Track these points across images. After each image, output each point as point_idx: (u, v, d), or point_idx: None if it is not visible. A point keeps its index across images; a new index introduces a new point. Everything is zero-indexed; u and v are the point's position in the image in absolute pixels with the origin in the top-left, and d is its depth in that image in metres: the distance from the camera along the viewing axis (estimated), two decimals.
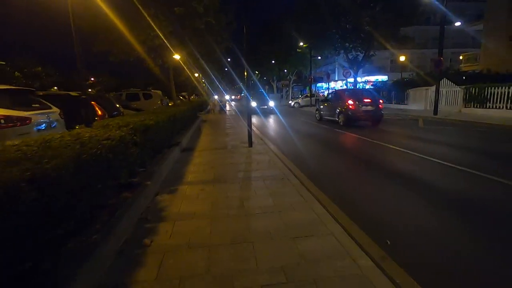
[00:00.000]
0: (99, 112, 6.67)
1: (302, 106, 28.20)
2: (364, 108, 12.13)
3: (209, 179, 4.86)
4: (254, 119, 13.93)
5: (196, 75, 32.97)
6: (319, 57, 29.11)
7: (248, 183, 4.57)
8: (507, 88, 12.94)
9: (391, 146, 7.60)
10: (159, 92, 14.92)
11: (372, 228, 3.08)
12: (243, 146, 7.69)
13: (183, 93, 34.27)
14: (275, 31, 36.07)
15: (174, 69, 16.50)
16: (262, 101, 21.45)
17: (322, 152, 7.53)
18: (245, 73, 8.00)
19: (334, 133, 10.62)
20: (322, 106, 14.56)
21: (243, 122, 13.65)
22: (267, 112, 20.52)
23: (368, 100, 12.29)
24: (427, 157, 6.30)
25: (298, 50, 28.40)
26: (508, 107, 12.89)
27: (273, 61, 39.54)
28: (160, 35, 9.78)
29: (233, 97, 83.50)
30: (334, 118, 13.04)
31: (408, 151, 6.91)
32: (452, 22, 38.44)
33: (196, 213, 3.45)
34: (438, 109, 14.70)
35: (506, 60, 20.62)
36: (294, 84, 49.25)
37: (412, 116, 15.22)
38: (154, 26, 9.21)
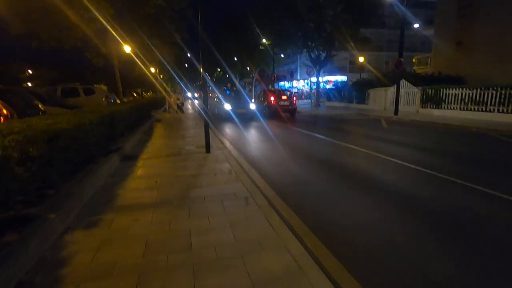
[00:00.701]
0: (4, 111, 5.04)
1: None
2: (282, 103, 15.87)
3: (150, 201, 3.69)
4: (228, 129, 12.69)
5: (153, 70, 30.67)
6: (282, 55, 28.68)
7: (201, 207, 3.50)
8: (460, 89, 13.44)
9: (365, 151, 7.03)
10: (104, 87, 13.05)
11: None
12: (199, 151, 6.56)
13: (138, 90, 31.66)
14: (238, 27, 34.98)
15: (124, 62, 14.67)
16: (239, 103, 15.21)
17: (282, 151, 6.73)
18: (201, 66, 6.87)
19: (301, 135, 9.95)
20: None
21: (202, 122, 12.44)
22: (247, 119, 14.41)
23: (285, 97, 16.11)
24: (400, 162, 5.78)
25: (261, 47, 27.67)
26: (462, 108, 13.40)
27: (235, 58, 38.38)
28: (99, 17, 8.14)
29: (196, 95, 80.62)
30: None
31: (386, 156, 6.37)
32: (407, 26, 40.81)
33: (117, 265, 2.30)
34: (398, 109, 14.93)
35: (455, 63, 22.00)
36: (256, 82, 48.68)
37: (374, 116, 15.27)
38: (89, 6, 7.57)
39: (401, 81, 16.34)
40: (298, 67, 43.74)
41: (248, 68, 40.14)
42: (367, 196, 4.09)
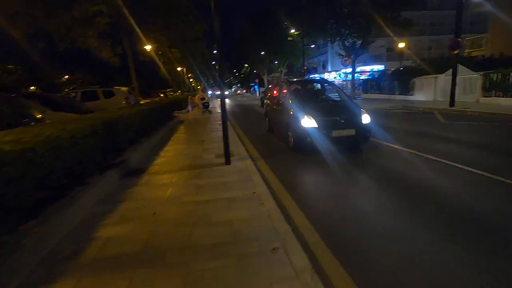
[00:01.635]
0: None
1: None
2: None
3: (134, 251, 2.54)
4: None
5: (179, 69, 30.36)
6: (312, 45, 26.68)
7: (208, 266, 2.27)
8: None
9: (432, 157, 5.37)
10: (124, 88, 12.38)
11: None
12: (217, 162, 5.37)
13: (167, 90, 31.60)
14: (265, 21, 33.52)
15: (147, 62, 14.12)
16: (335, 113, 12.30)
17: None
18: (218, 60, 5.65)
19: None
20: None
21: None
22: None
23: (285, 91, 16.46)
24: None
25: (289, 38, 25.90)
26: None
27: (262, 53, 36.99)
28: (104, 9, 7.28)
29: (226, 92, 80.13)
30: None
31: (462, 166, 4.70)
32: (444, 8, 36.47)
33: None
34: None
35: None
36: (285, 76, 46.89)
37: (424, 109, 13.08)
38: None
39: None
40: (329, 58, 41.12)
41: (276, 62, 38.45)
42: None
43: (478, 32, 27.27)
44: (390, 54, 37.62)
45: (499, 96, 12.42)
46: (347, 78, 23.33)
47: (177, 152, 6.68)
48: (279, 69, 41.72)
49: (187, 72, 38.43)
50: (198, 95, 15.96)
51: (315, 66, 37.21)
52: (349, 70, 23.36)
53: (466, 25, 36.06)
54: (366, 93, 23.60)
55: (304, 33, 23.17)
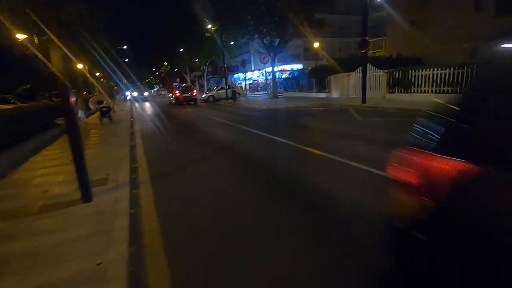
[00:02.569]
0: None
1: (217, 100, 24.49)
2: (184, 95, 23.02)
3: None
4: None
5: (81, 66, 25.74)
6: (232, 42, 25.73)
7: None
8: (431, 70, 11.96)
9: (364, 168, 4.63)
10: None
11: None
12: (72, 199, 3.57)
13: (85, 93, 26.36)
14: (183, 17, 31.09)
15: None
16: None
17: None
18: None
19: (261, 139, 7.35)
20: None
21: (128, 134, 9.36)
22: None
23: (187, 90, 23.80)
24: None
25: (206, 34, 24.38)
26: (434, 91, 11.96)
27: (181, 50, 34.46)
28: None
29: (146, 93, 73.04)
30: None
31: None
32: (357, 11, 40.11)
33: None
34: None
35: (410, 44, 21.16)
36: (210, 76, 45.11)
37: (340, 106, 13.29)
38: None
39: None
40: (252, 57, 41.11)
41: (196, 60, 36.38)
42: None
43: (379, 35, 30.51)
44: (307, 54, 39.61)
45: (401, 92, 13.42)
46: (270, 77, 23.10)
47: (24, 181, 4.54)
48: (201, 67, 39.78)
49: (93, 71, 33.17)
50: (94, 97, 13.09)
51: (237, 64, 36.51)
52: (271, 69, 23.22)
53: (368, 29, 40.52)
54: (288, 92, 23.81)
55: (222, 29, 21.98)
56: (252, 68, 42.99)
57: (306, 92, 20.99)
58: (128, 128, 10.11)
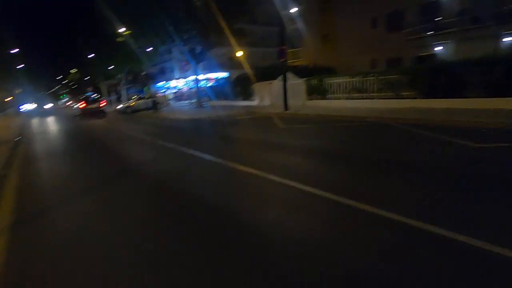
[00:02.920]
0: None
1: (136, 111, 22.23)
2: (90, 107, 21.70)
3: None
4: None
5: None
6: (149, 49, 23.84)
7: None
8: (342, 78, 12.98)
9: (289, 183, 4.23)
10: None
11: None
12: None
13: None
14: (93, 19, 27.51)
15: None
16: None
17: None
18: None
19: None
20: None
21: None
22: None
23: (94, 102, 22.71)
24: None
25: (118, 39, 22.02)
26: (346, 97, 12.96)
27: (91, 55, 30.58)
28: None
29: (50, 105, 62.35)
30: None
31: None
32: (272, 24, 42.22)
33: None
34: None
35: (323, 55, 23.10)
36: (131, 85, 41.27)
37: (265, 114, 13.30)
38: None
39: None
40: (176, 64, 39.24)
41: (110, 68, 32.79)
42: None
43: (298, 46, 32.45)
44: (232, 63, 39.92)
45: (319, 99, 14.23)
46: (196, 85, 22.11)
47: None
48: (118, 75, 36.10)
49: None
50: None
51: (155, 72, 34.20)
52: (198, 76, 22.26)
53: (287, 40, 43.05)
54: (213, 100, 23.20)
55: (138, 33, 20.12)
56: (177, 76, 41.10)
57: (232, 100, 20.76)
58: (7, 151, 7.95)
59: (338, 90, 13.24)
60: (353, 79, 12.48)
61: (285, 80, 13.03)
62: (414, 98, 10.59)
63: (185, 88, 39.98)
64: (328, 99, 13.77)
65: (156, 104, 19.94)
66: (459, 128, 6.89)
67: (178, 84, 42.28)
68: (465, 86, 9.35)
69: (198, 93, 21.51)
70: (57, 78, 58.42)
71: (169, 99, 39.46)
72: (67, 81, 59.29)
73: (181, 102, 35.75)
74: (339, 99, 13.23)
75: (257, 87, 18.16)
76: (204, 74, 39.29)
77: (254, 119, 12.06)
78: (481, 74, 8.98)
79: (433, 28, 17.54)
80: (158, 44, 22.51)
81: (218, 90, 22.57)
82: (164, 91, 42.04)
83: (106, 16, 22.01)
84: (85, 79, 42.41)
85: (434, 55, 17.71)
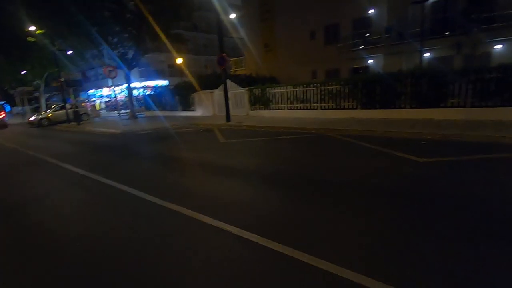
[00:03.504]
0: None
1: (54, 123, 18.98)
2: None
3: None
4: None
5: None
6: (70, 52, 20.70)
7: None
8: (285, 88, 12.63)
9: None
10: None
11: None
12: None
13: None
14: None
15: None
16: None
17: None
18: None
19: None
20: None
21: None
22: None
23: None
24: None
25: (29, 39, 18.58)
26: (290, 108, 12.63)
27: None
28: None
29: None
30: None
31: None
32: (214, 32, 41.66)
33: None
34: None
35: (266, 65, 23.02)
36: (55, 92, 35.86)
37: (206, 126, 12.19)
38: None
39: (227, 81, 14.30)
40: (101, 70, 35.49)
41: (24, 73, 27.92)
42: None
43: (239, 55, 32.20)
44: (172, 70, 37.87)
45: (262, 109, 13.68)
46: (129, 94, 19.78)
47: None
48: (35, 82, 31.03)
49: None
50: None
51: (79, 78, 30.26)
52: (132, 84, 19.96)
53: (229, 50, 42.40)
54: (151, 110, 21.16)
55: (54, 34, 17.17)
56: (110, 84, 37.18)
57: (171, 110, 19.11)
58: None
59: (281, 100, 12.85)
60: (296, 89, 12.22)
61: (226, 90, 12.15)
62: (354, 108, 10.67)
63: (121, 97, 36.45)
64: (271, 109, 13.29)
65: (79, 116, 17.19)
66: (399, 139, 6.81)
67: (112, 92, 38.32)
68: (399, 97, 9.67)
69: (131, 103, 19.31)
70: None
71: (101, 109, 35.44)
72: None
73: (116, 112, 32.30)
74: (283, 109, 12.85)
75: (198, 96, 16.95)
76: (140, 82, 36.43)
77: (193, 132, 10.86)
78: (411, 86, 9.37)
79: (364, 42, 18.70)
80: (82, 47, 19.66)
81: (156, 99, 20.61)
82: (94, 101, 37.72)
83: (14, 12, 18.49)
84: None
85: (367, 67, 18.85)
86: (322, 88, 11.34)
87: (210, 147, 7.67)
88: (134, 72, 36.35)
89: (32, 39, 18.31)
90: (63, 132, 14.72)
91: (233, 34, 29.00)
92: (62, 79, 17.25)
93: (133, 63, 18.65)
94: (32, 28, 16.89)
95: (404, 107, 9.60)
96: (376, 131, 7.85)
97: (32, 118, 19.47)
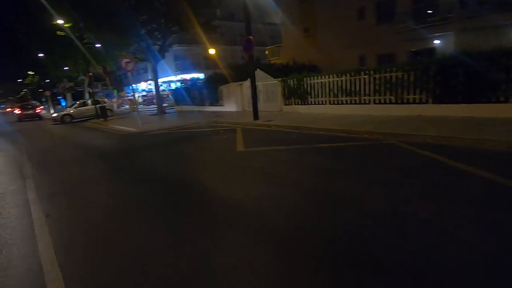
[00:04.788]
0: None
1: (77, 119, 18.53)
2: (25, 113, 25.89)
3: None
4: None
5: None
6: (97, 45, 20.21)
7: None
8: (327, 77, 10.11)
9: None
10: None
11: None
12: None
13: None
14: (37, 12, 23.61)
15: None
16: None
17: None
18: None
19: None
20: None
21: None
22: None
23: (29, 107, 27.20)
24: None
25: (58, 32, 18.36)
26: (333, 101, 10.12)
27: (41, 55, 26.62)
28: None
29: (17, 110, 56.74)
30: None
31: None
32: (252, 21, 39.36)
33: None
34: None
35: (305, 51, 20.29)
36: (104, 88, 37.26)
37: (228, 125, 10.27)
38: None
39: (256, 72, 12.22)
40: (148, 64, 35.55)
41: (66, 69, 28.77)
42: None
43: (278, 44, 29.69)
44: (208, 62, 36.69)
45: (298, 104, 11.34)
46: (157, 89, 18.76)
47: None
48: (79, 77, 32.09)
49: None
50: None
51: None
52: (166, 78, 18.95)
53: (267, 38, 40.00)
54: (182, 105, 19.98)
55: (84, 27, 16.59)
56: (149, 77, 37.37)
57: (199, 105, 17.61)
58: None
59: (322, 93, 10.39)
60: (341, 78, 9.65)
61: (253, 81, 10.06)
62: (422, 102, 7.86)
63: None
64: (309, 103, 10.90)
65: (105, 111, 16.52)
66: (507, 155, 4.15)
67: (153, 86, 38.48)
68: (493, 86, 6.69)
69: (159, 98, 18.22)
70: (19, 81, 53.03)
71: (139, 103, 35.79)
72: (31, 85, 54.11)
73: (153, 106, 32.26)
74: (324, 103, 10.39)
75: (226, 89, 15.11)
76: (176, 75, 35.94)
77: (211, 134, 8.98)
78: (507, 71, 6.39)
79: (427, 17, 15.08)
80: (121, 41, 18.91)
81: (184, 93, 19.31)
82: (133, 95, 38.34)
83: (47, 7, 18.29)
84: (45, 82, 37.86)
85: (432, 49, 15.20)
86: (377, 76, 8.64)
87: (221, 160, 5.69)
88: (170, 65, 36.10)
89: (62, 33, 18.03)
90: (80, 129, 14.08)
91: (270, 19, 26.56)
92: (91, 74, 16.67)
93: (158, 57, 17.36)
94: (61, 21, 16.42)
95: (504, 101, 6.61)
96: (466, 139, 5.16)
97: (55, 114, 19.46)
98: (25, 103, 33.69)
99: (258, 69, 12.77)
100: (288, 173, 4.42)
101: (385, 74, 8.44)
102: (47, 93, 33.17)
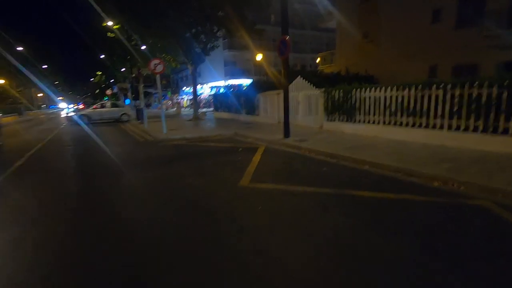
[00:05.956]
0: None
1: (95, 121, 18.29)
2: None
3: None
4: None
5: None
6: (143, 47, 20.38)
7: None
8: (383, 91, 7.76)
9: None
10: None
11: None
12: None
13: None
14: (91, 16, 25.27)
15: None
16: None
17: None
18: None
19: None
20: None
21: None
22: None
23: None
24: None
25: (108, 34, 18.93)
26: (387, 121, 7.73)
27: (102, 56, 28.50)
28: None
29: (81, 106, 63.69)
30: None
31: None
32: (306, 27, 37.22)
33: None
34: (294, 124, 8.78)
35: (362, 59, 17.69)
36: (164, 89, 39.18)
37: (251, 142, 8.59)
38: None
39: (296, 80, 10.44)
40: (203, 67, 35.96)
41: (123, 70, 30.43)
42: None
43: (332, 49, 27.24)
44: (257, 68, 35.69)
45: (343, 121, 9.13)
46: (195, 93, 18.07)
47: None
48: (128, 78, 33.89)
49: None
50: None
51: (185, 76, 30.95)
52: (217, 83, 18.33)
53: (322, 46, 37.57)
54: (218, 111, 19.00)
55: (131, 28, 16.70)
56: (201, 81, 37.94)
57: (235, 113, 16.30)
58: None
59: (374, 110, 8.06)
60: (402, 93, 7.24)
61: (286, 90, 8.21)
62: None
63: (205, 95, 36.74)
64: (357, 121, 8.63)
65: (122, 115, 16.15)
66: None
67: (204, 90, 39.00)
68: None
69: (196, 103, 17.45)
70: (91, 80, 59.26)
71: (187, 106, 36.39)
72: (100, 84, 59.94)
73: (199, 110, 32.39)
74: (375, 123, 8.04)
75: (263, 98, 13.48)
76: (225, 80, 35.70)
77: (226, 153, 7.38)
78: None
79: None
80: (166, 43, 18.85)
81: (227, 99, 18.22)
82: (182, 98, 39.26)
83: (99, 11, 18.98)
84: (110, 81, 41.21)
85: None
86: (456, 92, 6.11)
87: (204, 204, 3.99)
88: (220, 70, 36.05)
89: (112, 35, 18.56)
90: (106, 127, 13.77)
91: (325, 24, 24.29)
92: (133, 75, 16.67)
93: (199, 59, 16.54)
94: (110, 23, 16.77)
95: None
96: None
97: (68, 114, 19.84)
98: (92, 101, 37.07)
99: (299, 77, 10.91)
100: (279, 258, 2.52)
101: (471, 90, 5.87)
102: (109, 91, 35.74)
